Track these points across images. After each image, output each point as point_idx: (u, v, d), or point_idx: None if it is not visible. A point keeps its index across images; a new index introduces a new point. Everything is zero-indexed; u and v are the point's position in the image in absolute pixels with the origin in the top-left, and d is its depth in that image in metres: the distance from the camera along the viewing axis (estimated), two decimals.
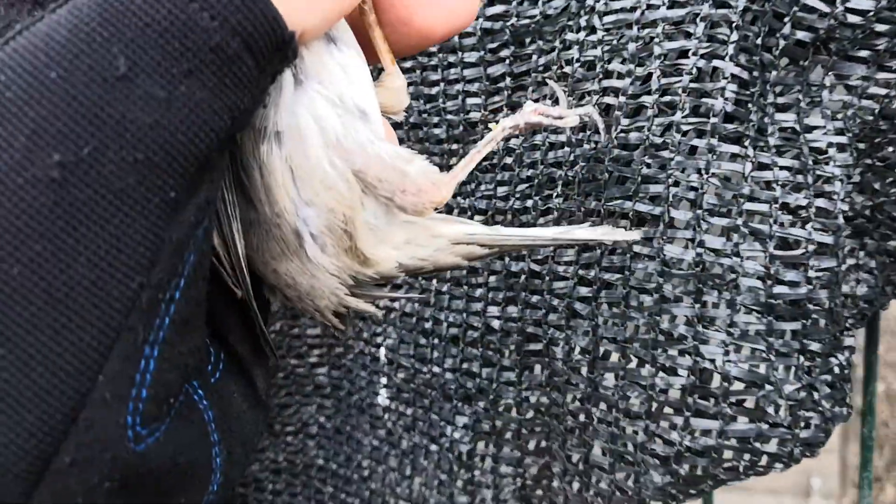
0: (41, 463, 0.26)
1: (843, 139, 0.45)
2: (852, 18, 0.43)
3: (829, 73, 0.45)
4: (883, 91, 0.45)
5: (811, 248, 0.43)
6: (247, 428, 0.36)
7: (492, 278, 0.52)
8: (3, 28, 0.31)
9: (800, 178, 0.44)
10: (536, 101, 0.41)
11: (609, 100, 0.46)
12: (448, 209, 0.55)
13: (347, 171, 0.35)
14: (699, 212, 0.43)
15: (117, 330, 0.27)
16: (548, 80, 0.44)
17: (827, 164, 0.44)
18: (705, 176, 0.43)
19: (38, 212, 0.26)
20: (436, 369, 0.58)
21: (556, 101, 0.41)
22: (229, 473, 0.34)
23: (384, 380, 0.63)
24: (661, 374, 0.46)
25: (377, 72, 0.38)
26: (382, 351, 0.62)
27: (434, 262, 0.39)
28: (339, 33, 0.35)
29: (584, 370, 0.49)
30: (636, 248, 0.45)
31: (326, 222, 0.35)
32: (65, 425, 0.26)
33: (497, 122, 0.51)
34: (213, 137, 0.28)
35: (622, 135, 0.45)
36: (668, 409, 0.46)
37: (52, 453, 0.26)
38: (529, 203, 0.50)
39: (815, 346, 0.44)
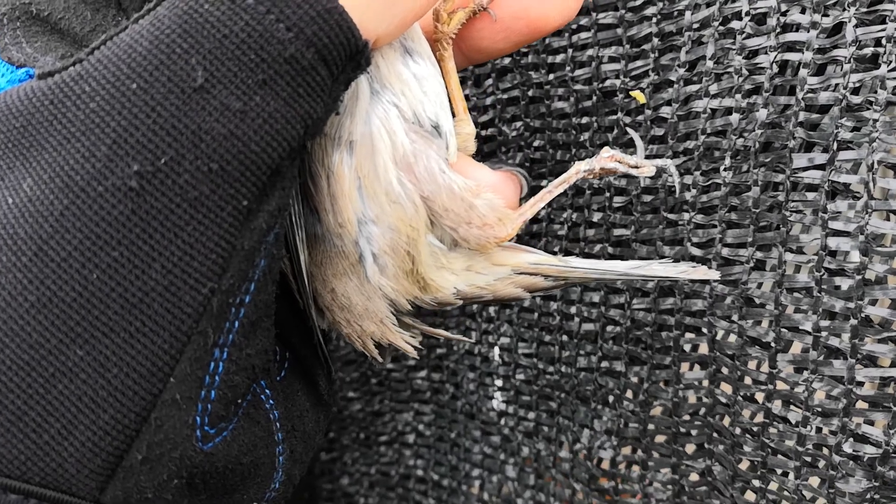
0: (114, 459, 0.27)
1: None
2: None
3: None
4: None
5: None
6: (309, 426, 0.37)
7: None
8: (90, 32, 0.33)
9: None
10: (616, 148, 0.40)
11: (791, 56, 0.40)
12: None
13: (415, 195, 0.35)
14: None
15: (188, 334, 0.28)
16: (627, 129, 0.42)
17: None
18: None
19: (116, 219, 0.26)
20: (565, 369, 0.52)
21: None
22: (291, 471, 0.35)
23: (499, 382, 0.57)
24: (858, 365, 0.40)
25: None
26: (496, 351, 0.56)
27: (493, 291, 0.38)
28: (414, 45, 0.35)
29: (763, 364, 0.43)
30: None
31: (390, 242, 0.35)
32: (137, 424, 0.27)
33: (640, 88, 0.45)
34: (286, 146, 0.28)
35: (810, 95, 0.39)
36: (862, 405, 0.41)
37: (125, 451, 0.27)
38: (689, 179, 0.44)
39: None
